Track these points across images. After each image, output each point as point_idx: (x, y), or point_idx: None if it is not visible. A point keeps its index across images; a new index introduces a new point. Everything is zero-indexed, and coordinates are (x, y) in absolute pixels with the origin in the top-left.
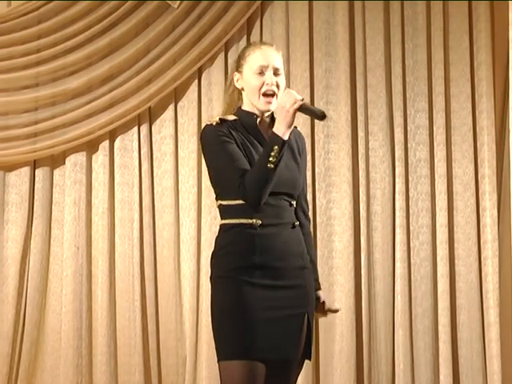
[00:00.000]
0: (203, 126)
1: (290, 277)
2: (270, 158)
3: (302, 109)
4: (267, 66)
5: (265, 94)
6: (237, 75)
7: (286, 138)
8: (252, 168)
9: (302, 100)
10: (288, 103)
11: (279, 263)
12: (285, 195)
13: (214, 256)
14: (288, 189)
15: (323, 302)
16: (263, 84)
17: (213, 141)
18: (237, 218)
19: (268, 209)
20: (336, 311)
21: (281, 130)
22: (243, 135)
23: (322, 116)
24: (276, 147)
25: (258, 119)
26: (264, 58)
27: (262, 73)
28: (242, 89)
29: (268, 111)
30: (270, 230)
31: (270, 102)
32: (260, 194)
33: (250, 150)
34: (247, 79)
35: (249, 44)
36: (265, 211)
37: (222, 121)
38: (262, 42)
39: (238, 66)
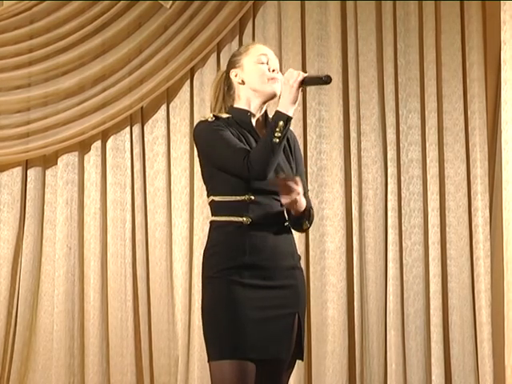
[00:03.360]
0: (197, 122)
1: (280, 277)
2: (276, 134)
3: (307, 80)
4: (268, 57)
5: (270, 79)
6: (234, 71)
7: (290, 114)
8: (257, 144)
9: (306, 73)
10: (291, 79)
11: (269, 263)
12: (276, 195)
13: (205, 255)
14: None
15: None
16: (267, 70)
17: (208, 132)
18: (227, 215)
19: (259, 208)
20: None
21: (285, 105)
22: (238, 131)
23: (326, 80)
24: (281, 123)
25: (254, 118)
26: (264, 49)
27: (263, 63)
28: (242, 82)
29: (274, 95)
30: (261, 230)
31: (276, 83)
32: (265, 167)
33: (244, 145)
34: (249, 69)
35: (245, 44)
36: (255, 210)
37: (216, 118)
38: (257, 42)
39: (235, 62)
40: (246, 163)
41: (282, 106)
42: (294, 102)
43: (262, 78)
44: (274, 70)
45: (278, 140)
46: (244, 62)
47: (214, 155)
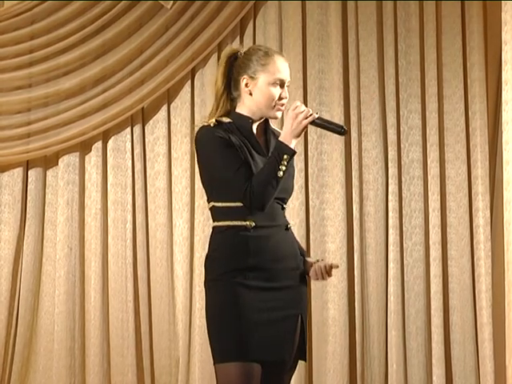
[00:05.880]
0: (199, 127)
1: (283, 278)
2: (281, 167)
3: (316, 123)
4: (284, 81)
5: (275, 106)
6: (246, 79)
7: (293, 147)
8: (260, 174)
9: (317, 113)
10: (301, 115)
11: (273, 265)
12: (279, 199)
13: (208, 259)
14: (283, 194)
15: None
16: (279, 97)
17: (211, 142)
18: (230, 220)
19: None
20: (335, 266)
21: (289, 138)
22: (238, 138)
23: (341, 131)
24: (286, 156)
25: (255, 125)
26: (283, 70)
27: (278, 85)
28: (250, 94)
29: (275, 118)
30: (264, 232)
31: (280, 110)
32: (267, 200)
33: (245, 154)
34: (262, 88)
35: (263, 50)
36: (258, 213)
37: (219, 123)
38: (276, 51)
39: (250, 70)
40: (248, 194)
41: (285, 137)
42: (298, 137)
43: (270, 103)
44: (284, 98)
45: (282, 173)
46: (260, 76)
47: (213, 171)
